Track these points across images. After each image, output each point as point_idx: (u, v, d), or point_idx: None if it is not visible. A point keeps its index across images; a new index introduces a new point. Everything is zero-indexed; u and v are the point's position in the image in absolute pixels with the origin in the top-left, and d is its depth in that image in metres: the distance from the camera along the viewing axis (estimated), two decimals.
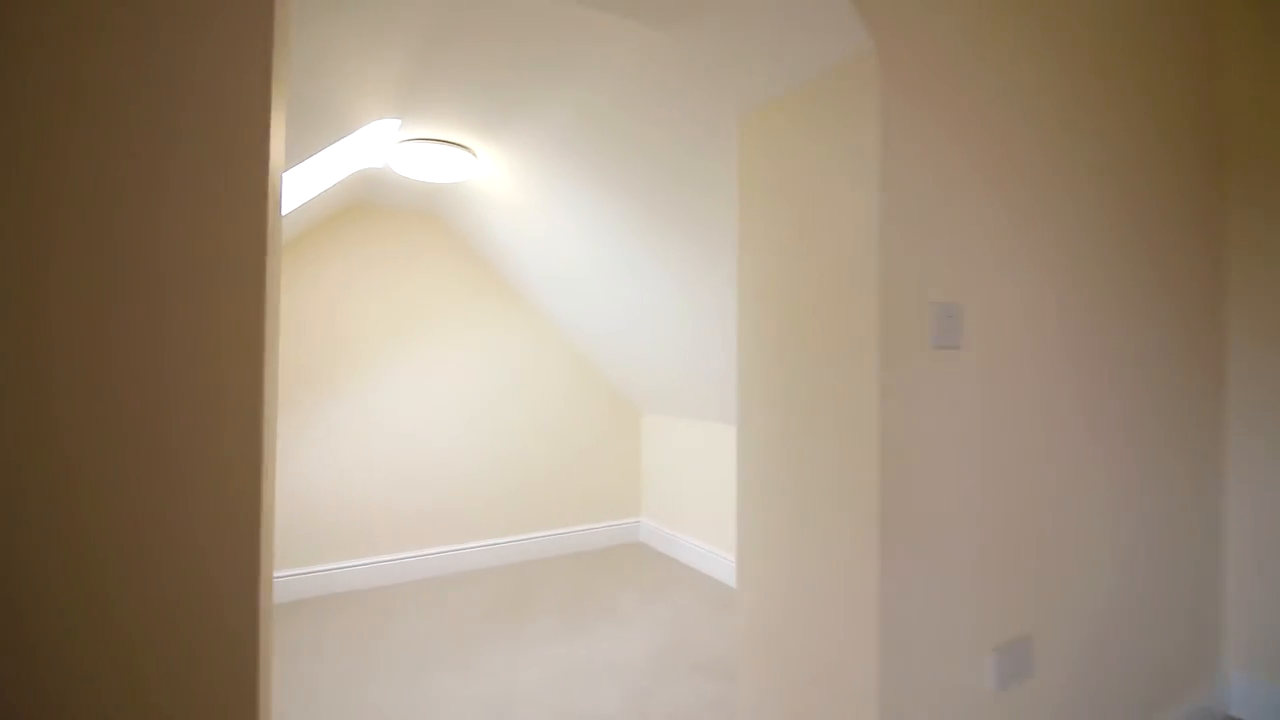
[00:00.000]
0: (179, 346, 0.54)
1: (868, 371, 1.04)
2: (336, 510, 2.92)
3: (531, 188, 2.43)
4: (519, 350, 3.41)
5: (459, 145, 2.23)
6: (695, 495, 3.27)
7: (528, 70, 1.68)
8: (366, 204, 2.98)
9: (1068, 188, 1.37)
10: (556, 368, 3.51)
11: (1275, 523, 1.77)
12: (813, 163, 1.14)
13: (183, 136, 0.54)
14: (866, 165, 1.04)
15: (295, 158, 1.76)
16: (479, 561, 3.24)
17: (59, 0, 0.50)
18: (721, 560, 3.02)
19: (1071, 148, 1.38)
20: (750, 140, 1.30)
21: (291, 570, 2.79)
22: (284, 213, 2.23)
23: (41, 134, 0.50)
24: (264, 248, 0.57)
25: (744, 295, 1.31)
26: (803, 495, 1.17)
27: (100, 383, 0.51)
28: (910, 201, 1.07)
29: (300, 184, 2.11)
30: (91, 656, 0.51)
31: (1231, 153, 1.86)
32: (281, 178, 0.62)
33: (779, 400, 1.22)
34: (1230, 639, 1.86)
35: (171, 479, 0.53)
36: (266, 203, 0.57)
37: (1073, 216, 1.38)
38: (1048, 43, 1.33)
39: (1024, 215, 1.28)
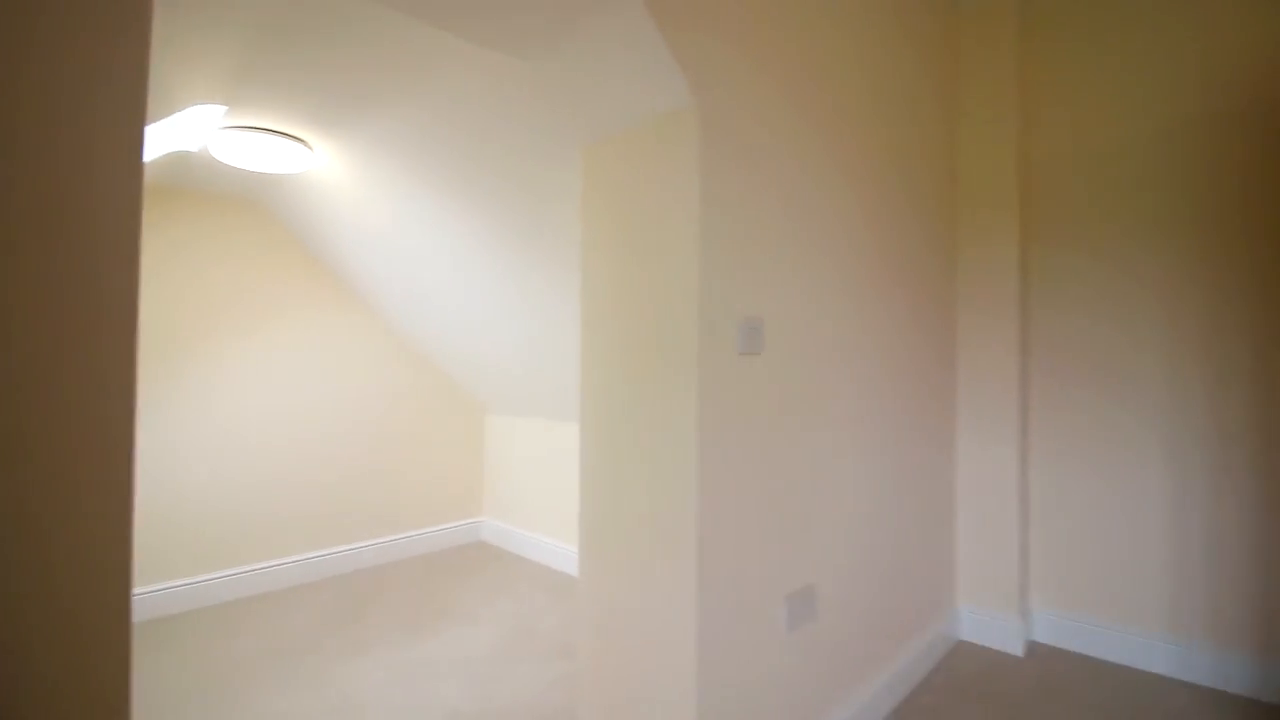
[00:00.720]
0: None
1: (688, 374, 1.25)
2: (154, 526, 2.60)
3: (375, 185, 2.39)
4: (358, 350, 3.27)
5: (291, 137, 2.13)
6: (538, 491, 3.39)
7: (374, 73, 1.69)
8: (178, 188, 2.70)
9: (847, 227, 1.71)
10: (398, 368, 3.43)
11: (984, 487, 2.33)
12: (645, 195, 1.34)
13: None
14: (688, 202, 1.25)
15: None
16: (319, 572, 3.07)
17: None
18: (563, 552, 3.17)
19: (852, 196, 1.73)
20: (593, 169, 1.46)
21: None
22: None
23: None
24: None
25: (586, 306, 1.47)
26: (636, 480, 1.35)
27: None
28: (724, 233, 1.30)
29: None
30: None
31: (962, 206, 2.41)
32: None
33: (616, 399, 1.39)
34: (960, 579, 2.40)
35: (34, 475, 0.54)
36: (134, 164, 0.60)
37: (851, 250, 1.73)
38: (838, 113, 1.65)
39: (813, 247, 1.58)
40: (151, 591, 2.60)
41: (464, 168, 2.10)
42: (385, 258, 2.84)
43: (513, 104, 1.72)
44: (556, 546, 3.23)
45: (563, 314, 2.51)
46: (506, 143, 1.90)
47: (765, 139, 1.42)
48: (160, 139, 2.00)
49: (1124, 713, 1.87)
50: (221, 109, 1.88)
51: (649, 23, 1.14)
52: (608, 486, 1.42)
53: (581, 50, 1.25)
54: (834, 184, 1.67)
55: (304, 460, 3.07)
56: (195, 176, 2.58)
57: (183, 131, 2.01)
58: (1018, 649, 2.24)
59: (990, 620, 2.31)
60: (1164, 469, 2.13)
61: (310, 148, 2.21)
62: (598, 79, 1.28)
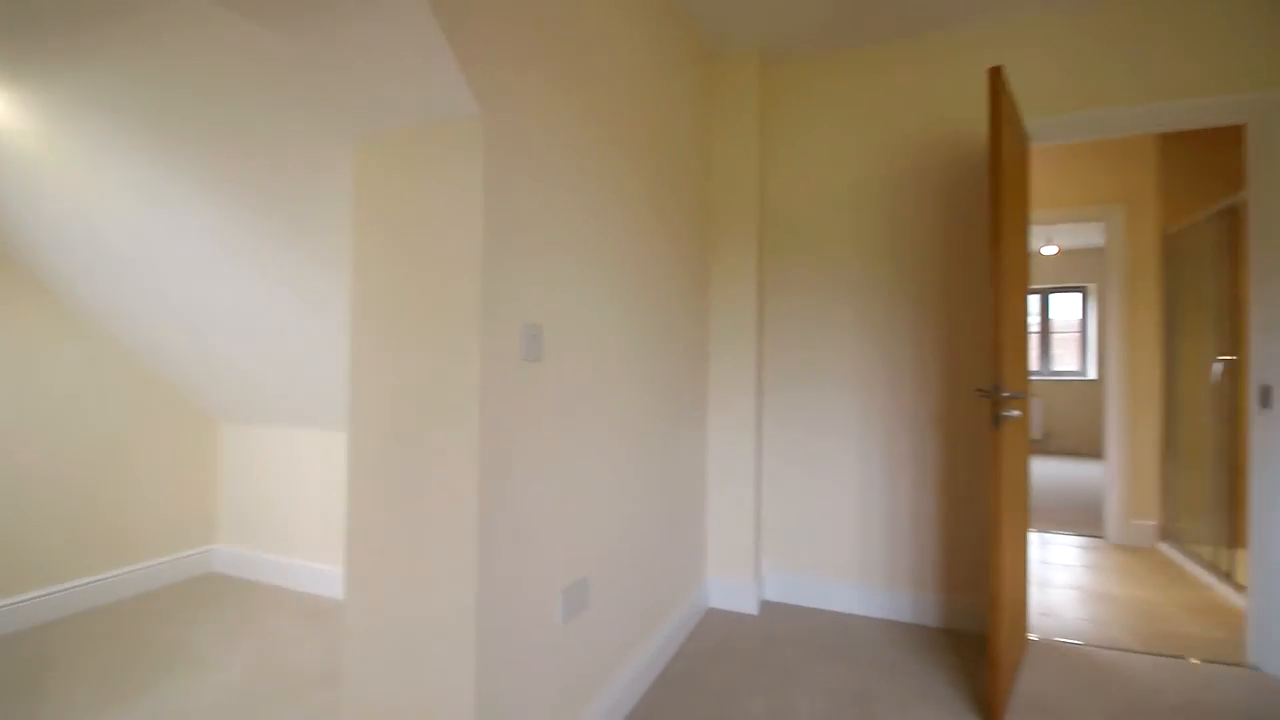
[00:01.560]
0: None
1: (470, 381, 1.25)
2: None
3: (78, 154, 1.91)
4: (40, 350, 2.56)
5: None
6: (287, 509, 3.02)
7: (84, 19, 1.37)
8: None
9: (620, 240, 1.86)
10: (98, 372, 2.76)
11: (730, 471, 2.70)
12: (425, 198, 1.30)
13: None
14: (471, 209, 1.26)
15: None
16: None
17: None
18: (320, 573, 2.88)
19: (626, 213, 1.88)
20: (367, 164, 1.37)
21: None
22: None
23: None
24: None
25: (359, 309, 1.38)
26: (414, 488, 1.31)
27: None
28: (508, 243, 1.33)
29: None
30: None
31: (712, 231, 2.75)
32: None
33: (392, 407, 1.33)
34: (710, 553, 2.74)
35: None
36: None
37: (624, 262, 1.88)
38: (615, 141, 1.78)
39: (591, 259, 1.69)
40: None
41: (204, 144, 1.80)
42: (83, 238, 2.28)
43: (271, 78, 1.53)
44: (312, 568, 2.91)
45: (315, 312, 2.28)
46: (260, 123, 1.68)
47: (550, 156, 1.48)
48: None
49: (828, 646, 2.33)
50: None
51: (432, 24, 1.12)
52: (382, 496, 1.35)
53: (359, 42, 1.17)
54: (610, 201, 1.80)
55: None
56: None
57: None
58: (753, 609, 2.64)
59: (733, 587, 2.68)
60: (856, 453, 2.70)
61: None
62: (375, 70, 1.22)
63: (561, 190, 1.55)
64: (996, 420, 1.86)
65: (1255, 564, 2.22)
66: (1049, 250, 7.17)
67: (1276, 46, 2.16)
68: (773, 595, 2.80)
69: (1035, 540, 3.82)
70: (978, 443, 2.51)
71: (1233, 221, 2.97)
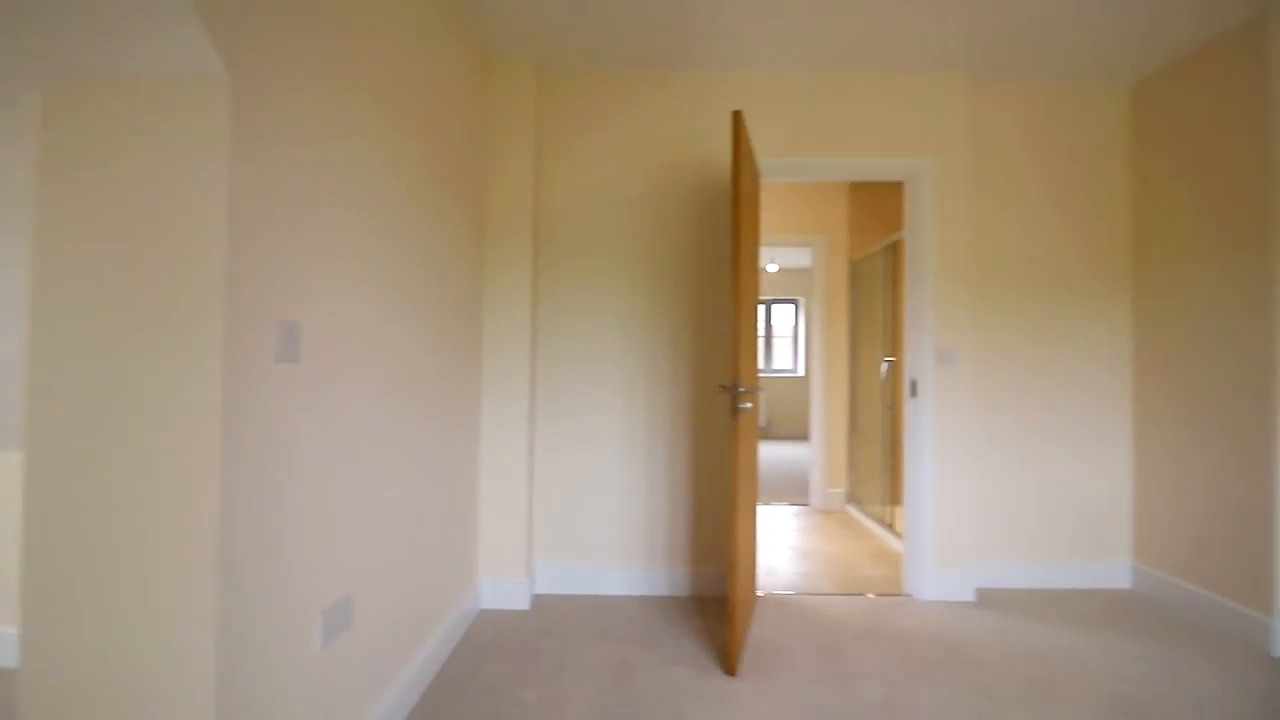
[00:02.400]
0: None
1: (209, 388, 1.08)
2: None
3: None
4: None
5: None
6: None
7: None
8: None
9: (396, 240, 1.75)
10: None
11: (502, 471, 2.71)
12: (148, 167, 1.09)
13: None
14: (213, 187, 1.08)
15: None
16: None
17: None
18: None
19: (403, 211, 1.77)
20: (61, 116, 1.10)
21: None
22: None
23: None
24: None
25: (44, 297, 1.10)
26: (129, 513, 1.09)
27: None
28: (259, 228, 1.17)
29: None
30: None
31: (489, 232, 2.73)
32: None
33: (87, 419, 1.09)
34: (481, 555, 2.71)
35: None
36: None
37: (395, 261, 1.77)
38: (390, 140, 1.66)
39: (358, 254, 1.56)
40: None
41: None
42: None
43: None
44: None
45: None
46: None
47: (314, 137, 1.34)
48: None
49: (596, 628, 2.47)
50: None
51: None
52: (80, 526, 1.09)
53: None
54: (383, 194, 1.69)
55: None
56: None
57: None
58: (525, 604, 2.69)
59: (505, 586, 2.69)
60: (620, 446, 2.90)
61: None
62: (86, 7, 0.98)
63: (328, 176, 1.41)
64: (735, 411, 2.17)
65: (906, 516, 2.93)
66: (772, 268, 8.49)
67: (920, 125, 2.88)
68: (545, 589, 2.87)
69: (761, 512, 4.51)
70: (720, 431, 2.89)
71: (896, 254, 3.86)
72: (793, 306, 9.21)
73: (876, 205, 4.47)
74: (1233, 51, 2.50)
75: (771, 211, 4.61)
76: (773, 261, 8.20)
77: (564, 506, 2.91)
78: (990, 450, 3.03)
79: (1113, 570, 3.00)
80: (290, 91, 1.28)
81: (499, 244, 2.73)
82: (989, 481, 3.03)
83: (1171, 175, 2.80)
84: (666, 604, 2.76)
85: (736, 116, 2.19)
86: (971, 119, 3.04)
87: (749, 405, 2.31)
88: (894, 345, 3.87)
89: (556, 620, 2.57)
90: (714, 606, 2.74)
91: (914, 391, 2.89)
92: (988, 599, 2.83)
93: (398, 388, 1.84)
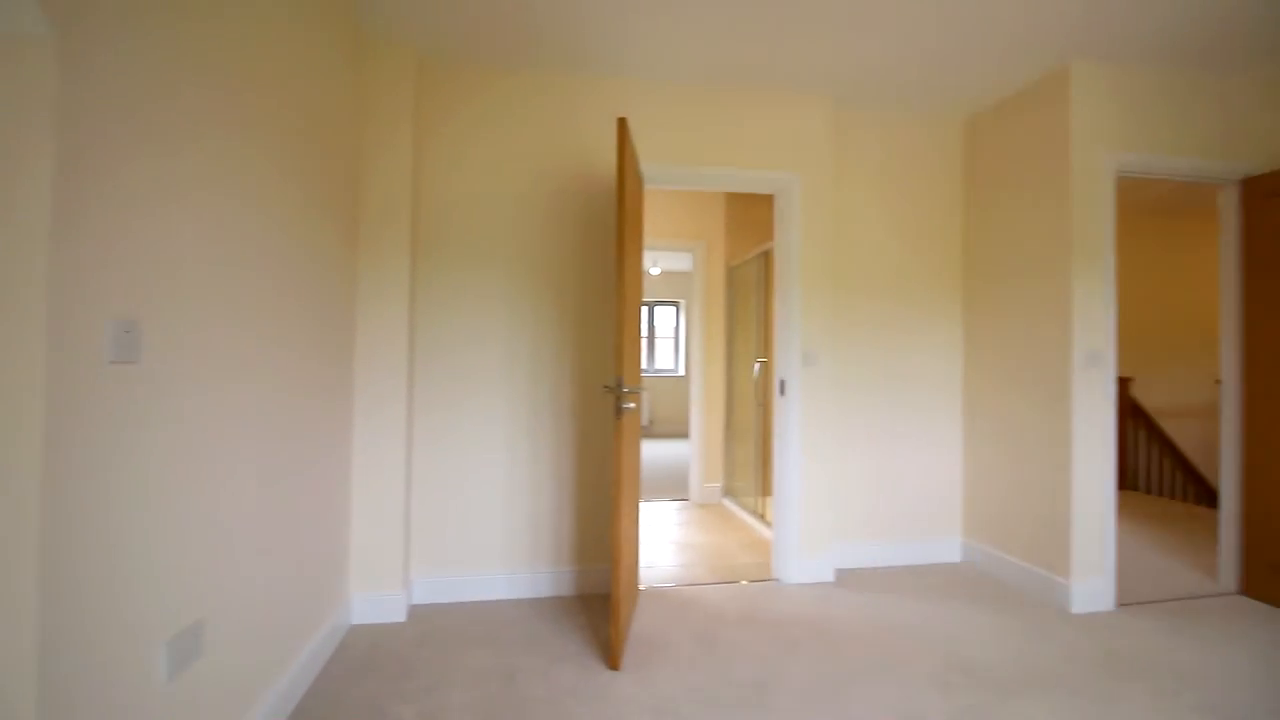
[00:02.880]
0: None
1: (29, 388, 0.94)
2: None
3: None
4: None
5: None
6: None
7: None
8: None
9: (256, 231, 1.60)
10: None
11: (377, 479, 2.58)
12: None
13: None
14: (34, 167, 0.95)
15: None
16: None
17: None
18: None
19: (265, 198, 1.62)
20: None
21: None
22: None
23: None
24: None
25: None
26: None
27: None
28: (92, 211, 1.04)
29: None
30: None
31: (364, 230, 2.58)
32: None
33: None
34: (353, 569, 2.56)
35: None
36: None
37: (258, 254, 1.62)
38: (253, 118, 1.51)
39: (217, 244, 1.42)
40: None
41: None
42: None
43: None
44: None
45: None
46: None
47: (160, 109, 1.20)
48: None
49: (478, 636, 2.42)
50: None
51: None
52: None
53: None
54: (242, 179, 1.54)
55: None
56: None
57: None
58: (402, 616, 2.57)
59: (380, 598, 2.56)
60: (502, 449, 2.86)
61: None
62: None
63: (178, 158, 1.27)
64: (618, 412, 2.22)
65: (775, 507, 3.14)
66: (655, 271, 8.71)
67: (790, 143, 3.10)
68: (424, 598, 2.76)
69: (644, 509, 4.63)
70: (604, 431, 2.94)
71: (768, 262, 4.12)
72: (674, 309, 9.50)
73: (751, 215, 4.74)
74: (1043, 96, 2.93)
75: (655, 216, 4.74)
76: (655, 265, 8.42)
77: (445, 513, 2.81)
78: (847, 443, 3.33)
79: (947, 546, 3.40)
80: (127, 61, 1.14)
81: (375, 241, 2.59)
82: (846, 471, 3.33)
83: (990, 202, 3.23)
84: (551, 604, 2.76)
85: (622, 123, 2.24)
86: (835, 141, 3.32)
87: (632, 405, 2.37)
88: (765, 347, 4.12)
89: (436, 630, 2.49)
90: (599, 603, 2.78)
91: (783, 390, 3.10)
92: (845, 579, 3.11)
93: (256, 392, 1.69)
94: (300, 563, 2.02)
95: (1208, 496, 4.91)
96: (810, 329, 3.09)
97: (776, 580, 3.09)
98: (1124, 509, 4.57)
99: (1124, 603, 2.81)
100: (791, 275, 3.09)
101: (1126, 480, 5.30)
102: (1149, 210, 5.62)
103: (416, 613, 2.65)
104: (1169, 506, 4.71)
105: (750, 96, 3.09)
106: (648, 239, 4.71)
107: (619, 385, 2.23)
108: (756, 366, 4.25)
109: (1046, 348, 2.88)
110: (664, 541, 3.78)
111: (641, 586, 2.99)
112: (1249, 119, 2.93)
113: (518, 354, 2.88)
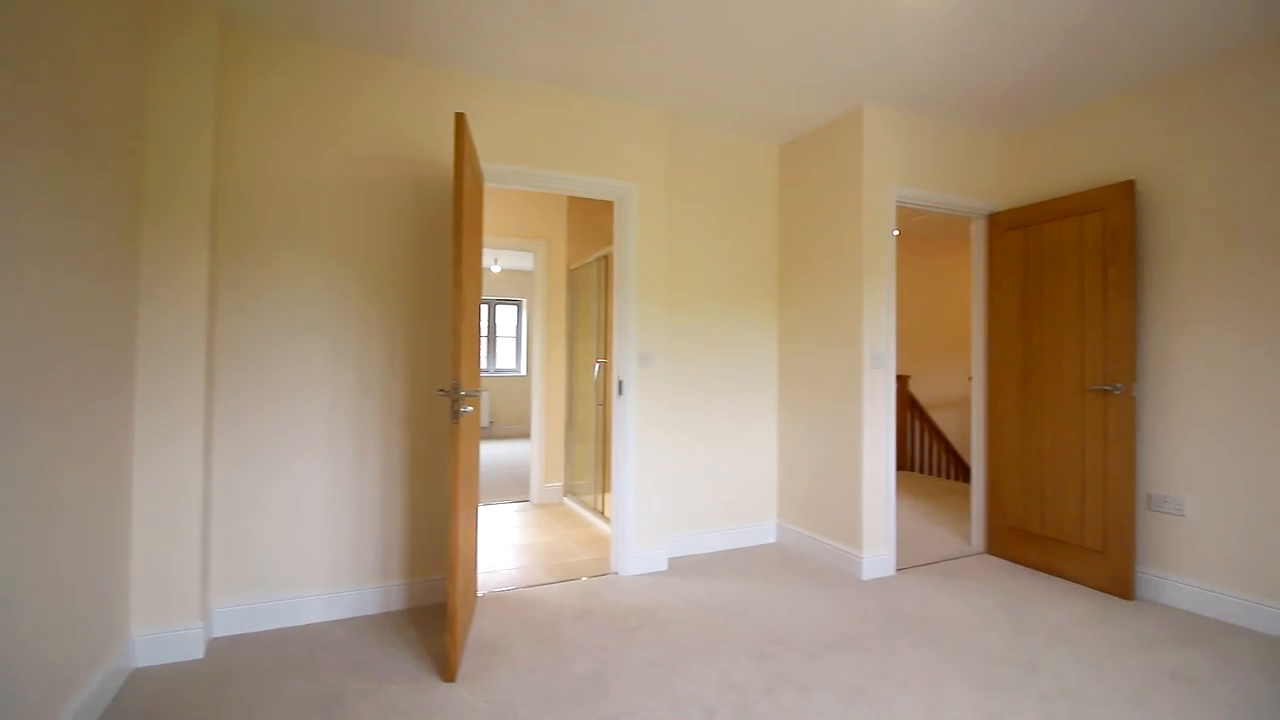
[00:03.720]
0: None
1: None
2: None
3: None
4: None
5: None
6: None
7: None
8: None
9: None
10: None
11: (167, 504, 2.24)
12: None
13: None
14: None
15: None
16: None
17: None
18: None
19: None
20: None
21: None
22: None
23: None
24: None
25: None
26: None
27: None
28: None
29: None
30: None
31: (149, 209, 2.22)
32: None
33: None
34: (134, 606, 2.20)
35: None
36: None
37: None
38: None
39: None
40: None
41: None
42: None
43: None
44: None
45: None
46: None
47: None
48: None
49: (294, 664, 2.21)
50: None
51: None
52: None
53: None
54: None
55: None
56: None
57: None
58: (199, 652, 2.27)
59: (169, 635, 2.23)
60: (324, 460, 2.64)
61: None
62: None
63: None
64: (455, 415, 2.16)
65: (613, 502, 3.25)
66: (496, 268, 8.51)
67: (630, 153, 3.22)
68: (229, 629, 2.46)
69: (483, 513, 4.52)
70: (440, 435, 2.83)
71: (606, 265, 4.23)
72: (516, 307, 9.36)
73: (592, 218, 4.83)
74: (842, 131, 3.35)
75: (498, 214, 4.65)
76: (496, 262, 8.23)
77: (254, 530, 2.52)
78: (679, 438, 3.54)
79: (765, 529, 3.76)
80: None
81: (164, 223, 2.24)
82: (679, 465, 3.54)
83: (800, 220, 3.63)
84: (381, 621, 2.60)
85: (460, 119, 2.18)
86: (671, 155, 3.50)
87: (470, 409, 2.32)
88: (605, 348, 4.24)
89: (242, 664, 2.23)
90: (434, 615, 2.67)
91: (620, 390, 3.22)
92: (678, 567, 3.30)
93: None
94: (50, 606, 1.70)
95: (965, 474, 5.93)
96: (646, 331, 3.23)
97: (615, 574, 3.20)
98: (903, 487, 5.37)
99: (902, 567, 3.32)
100: (629, 279, 3.21)
101: (906, 463, 6.22)
102: (920, 235, 6.66)
103: (219, 646, 2.35)
104: (937, 483, 5.62)
105: (593, 105, 3.16)
106: (489, 236, 4.61)
107: (456, 389, 2.17)
108: (596, 367, 4.35)
109: (843, 350, 3.30)
110: (504, 544, 3.73)
111: (480, 592, 2.93)
112: (994, 166, 3.60)
113: (344, 353, 2.67)
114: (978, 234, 3.67)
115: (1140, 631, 2.53)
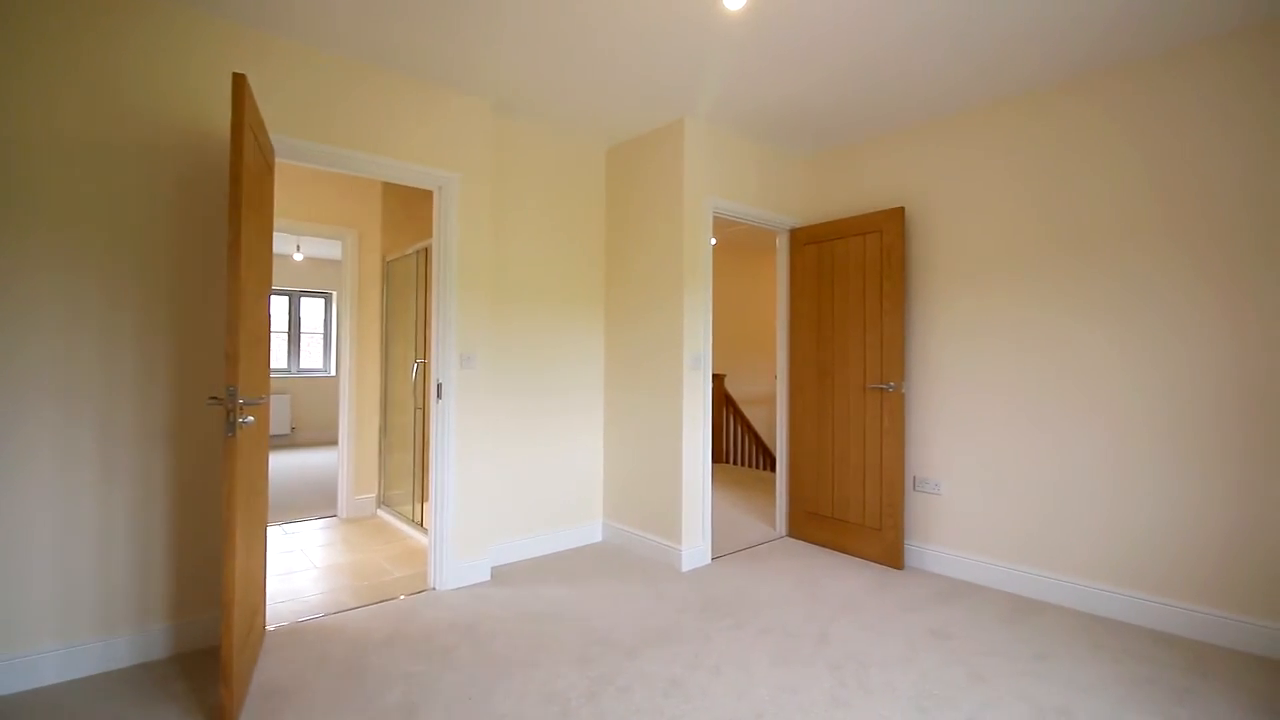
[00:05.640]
0: None
1: None
2: None
3: None
4: None
5: None
6: None
7: None
8: None
9: None
10: None
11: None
12: None
13: None
14: None
15: None
16: None
17: None
18: None
19: None
20: None
21: None
22: None
23: None
24: None
25: None
26: None
27: None
28: None
29: None
30: None
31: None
32: None
33: None
34: None
35: None
36: None
37: None
38: None
39: None
40: None
41: None
42: None
43: None
44: None
45: None
46: None
47: None
48: None
49: None
50: None
51: None
52: None
53: None
54: None
55: None
56: None
57: None
58: None
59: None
60: (57, 489, 2.12)
61: None
62: None
63: None
64: (231, 428, 1.86)
65: (432, 512, 3.04)
66: (299, 256, 7.60)
67: (451, 142, 3.03)
68: None
69: (278, 533, 3.99)
70: (215, 450, 2.43)
71: (426, 259, 3.96)
72: (323, 301, 8.45)
73: (410, 208, 4.50)
74: (665, 139, 3.46)
75: (297, 197, 4.12)
76: (299, 250, 7.35)
77: None
78: (503, 442, 3.42)
79: (592, 529, 3.78)
80: None
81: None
82: (503, 469, 3.42)
83: (626, 223, 3.70)
84: (139, 675, 2.16)
85: (240, 80, 1.87)
86: (497, 148, 3.36)
87: (252, 420, 2.01)
88: (424, 347, 3.96)
89: None
90: (209, 660, 2.28)
91: (440, 394, 3.02)
92: (501, 575, 3.19)
93: None
94: None
95: (774, 464, 6.51)
96: (467, 330, 3.07)
97: (433, 589, 3.00)
98: (718, 479, 5.74)
99: (717, 555, 3.53)
100: (449, 275, 3.03)
101: (721, 455, 6.67)
102: (735, 243, 7.18)
103: None
104: (749, 474, 6.09)
105: (413, 87, 2.92)
106: (289, 220, 4.07)
107: (232, 396, 1.86)
108: (415, 367, 4.05)
109: (665, 353, 3.42)
110: (306, 567, 3.32)
111: (271, 626, 2.57)
112: (799, 185, 3.97)
113: (79, 354, 2.17)
114: (782, 247, 4.03)
115: (907, 596, 2.94)
